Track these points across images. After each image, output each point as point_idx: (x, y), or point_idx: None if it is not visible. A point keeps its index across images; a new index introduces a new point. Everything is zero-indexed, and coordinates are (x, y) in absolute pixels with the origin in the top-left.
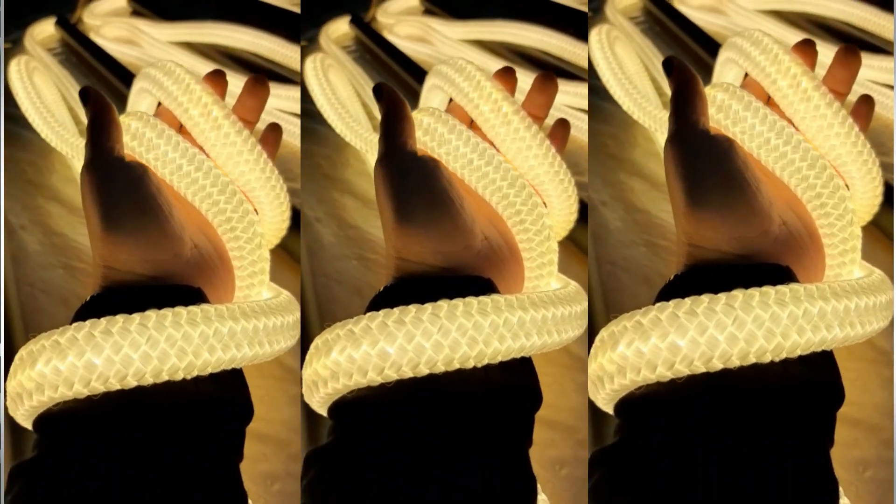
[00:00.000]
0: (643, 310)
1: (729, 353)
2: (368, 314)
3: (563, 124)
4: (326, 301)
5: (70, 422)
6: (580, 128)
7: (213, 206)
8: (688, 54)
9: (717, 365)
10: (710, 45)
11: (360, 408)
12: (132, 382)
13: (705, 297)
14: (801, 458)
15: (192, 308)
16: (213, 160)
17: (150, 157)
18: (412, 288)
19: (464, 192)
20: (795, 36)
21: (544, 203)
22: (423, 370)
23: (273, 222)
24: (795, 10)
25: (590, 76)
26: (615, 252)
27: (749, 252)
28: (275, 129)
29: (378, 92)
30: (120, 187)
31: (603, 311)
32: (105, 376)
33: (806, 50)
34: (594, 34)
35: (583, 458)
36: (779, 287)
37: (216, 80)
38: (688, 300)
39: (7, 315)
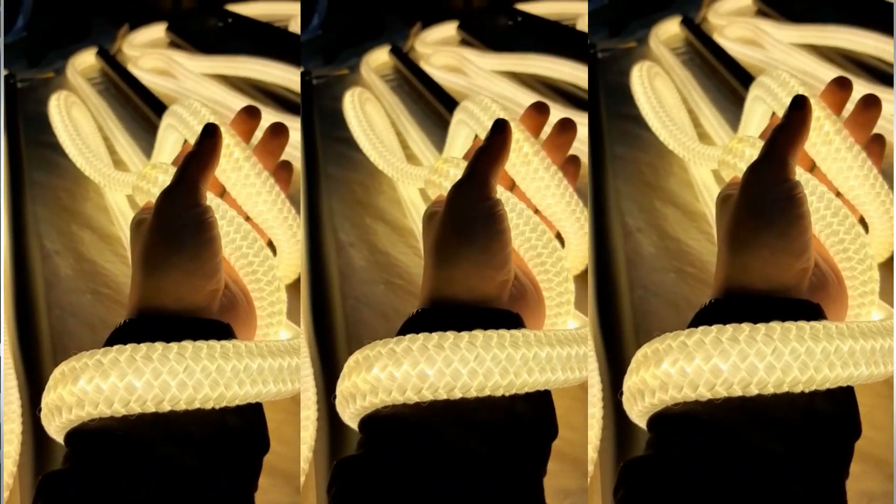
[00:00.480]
0: (687, 331)
1: (766, 380)
2: (409, 336)
3: (573, 161)
4: (354, 322)
5: (102, 439)
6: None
7: (237, 251)
8: (724, 86)
9: (754, 391)
10: (746, 78)
11: (393, 423)
12: (166, 407)
13: (746, 326)
14: (820, 486)
15: (225, 343)
16: (233, 199)
17: None
18: (446, 313)
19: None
20: (829, 70)
21: (561, 239)
22: (457, 394)
23: (290, 259)
24: (829, 45)
25: (629, 107)
26: (647, 277)
27: (789, 285)
28: (285, 167)
29: (498, 125)
30: (192, 224)
31: (632, 332)
32: (143, 399)
33: (836, 89)
34: (636, 70)
35: (587, 489)
36: (813, 323)
37: (250, 117)
38: (730, 327)
39: (37, 336)
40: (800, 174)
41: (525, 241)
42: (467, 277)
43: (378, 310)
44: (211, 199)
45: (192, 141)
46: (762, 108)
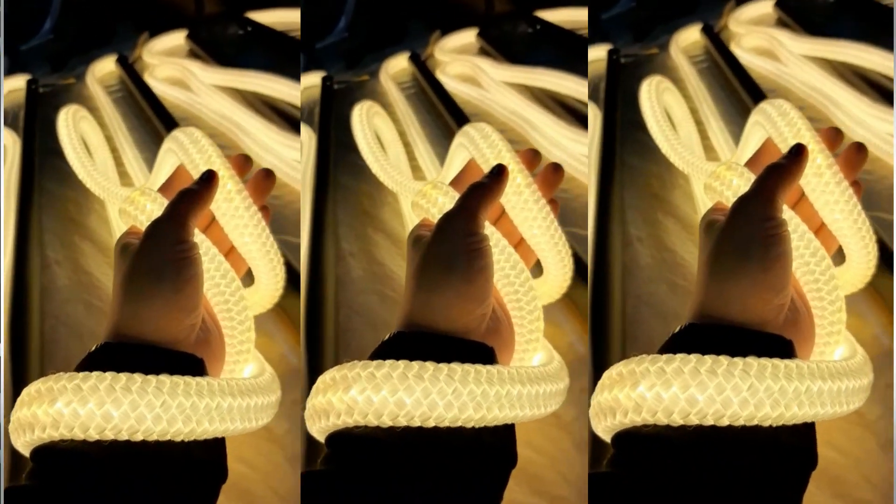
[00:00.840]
0: (665, 357)
1: (739, 414)
2: (390, 362)
3: (553, 202)
4: (345, 331)
5: (70, 459)
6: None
7: (214, 287)
8: (736, 98)
9: (725, 422)
10: (756, 92)
11: (362, 442)
12: (139, 437)
13: (724, 360)
14: None
15: (200, 380)
16: (220, 228)
17: None
18: (423, 339)
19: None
20: (836, 87)
21: (541, 268)
22: (431, 423)
23: (267, 290)
24: (839, 60)
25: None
26: (641, 287)
27: (765, 319)
28: (264, 210)
29: (498, 170)
30: (178, 259)
31: (619, 339)
32: (119, 428)
33: (830, 135)
34: (645, 85)
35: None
36: (787, 362)
37: (245, 162)
38: (709, 359)
39: (27, 343)
40: (783, 211)
41: (503, 276)
42: (449, 308)
43: (369, 320)
44: (195, 234)
45: (189, 168)
46: (760, 134)
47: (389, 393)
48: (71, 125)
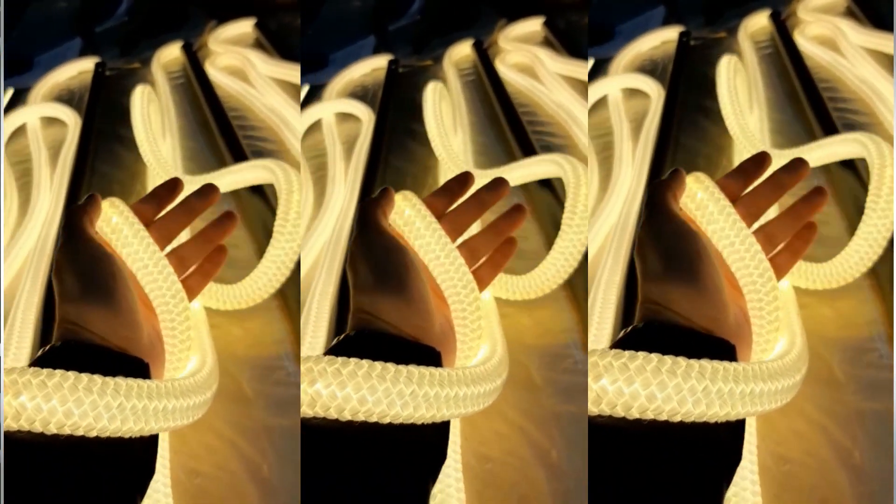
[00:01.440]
0: (629, 354)
1: (692, 412)
2: (354, 360)
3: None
4: None
5: (23, 448)
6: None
7: (163, 305)
8: (786, 88)
9: (677, 419)
10: (810, 86)
11: (317, 432)
12: (93, 434)
13: (683, 361)
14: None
15: (150, 384)
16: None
17: (123, 252)
18: (378, 340)
19: (428, 280)
20: (887, 83)
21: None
22: (386, 420)
23: (260, 289)
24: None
25: (705, 98)
26: None
27: (709, 327)
28: (220, 249)
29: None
30: (95, 274)
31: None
32: (78, 425)
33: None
34: (723, 62)
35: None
36: (735, 366)
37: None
38: (669, 359)
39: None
40: (741, 227)
41: (455, 293)
42: (395, 320)
43: None
44: (155, 251)
45: (277, 188)
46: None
47: (354, 390)
48: (145, 105)
